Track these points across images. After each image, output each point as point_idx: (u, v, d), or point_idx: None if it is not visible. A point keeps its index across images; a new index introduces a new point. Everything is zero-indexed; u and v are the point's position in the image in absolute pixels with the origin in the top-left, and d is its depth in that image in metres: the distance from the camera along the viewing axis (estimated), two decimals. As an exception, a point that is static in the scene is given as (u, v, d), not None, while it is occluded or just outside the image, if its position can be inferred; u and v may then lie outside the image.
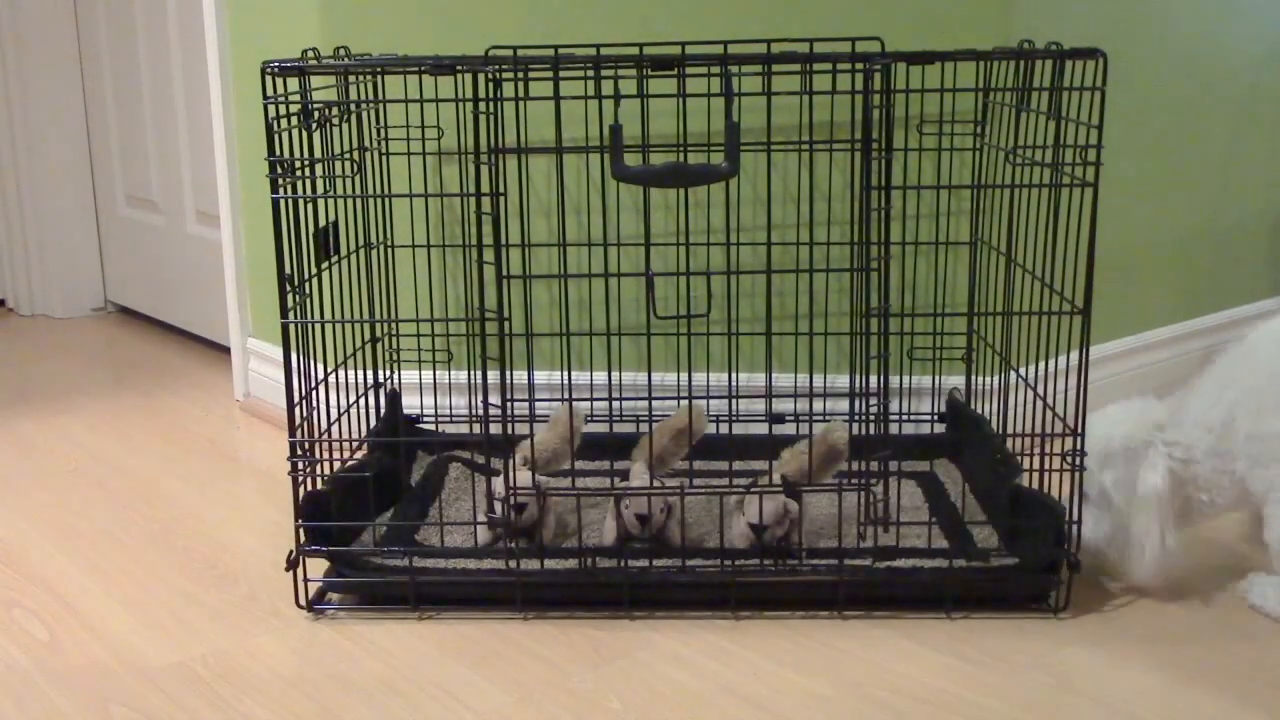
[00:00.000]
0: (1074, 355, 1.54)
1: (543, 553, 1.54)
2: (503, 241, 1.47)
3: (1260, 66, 2.40)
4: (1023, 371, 1.68)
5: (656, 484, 1.57)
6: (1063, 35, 1.94)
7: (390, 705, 1.33)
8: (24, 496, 1.94)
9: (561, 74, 1.50)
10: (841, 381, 1.97)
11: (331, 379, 1.70)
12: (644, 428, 1.75)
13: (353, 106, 1.79)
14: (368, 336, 1.89)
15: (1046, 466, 1.53)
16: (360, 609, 1.54)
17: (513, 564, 1.51)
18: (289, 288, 1.51)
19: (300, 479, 1.54)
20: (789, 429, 1.92)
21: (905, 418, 1.99)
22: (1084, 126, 1.48)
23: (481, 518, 1.61)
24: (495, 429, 1.80)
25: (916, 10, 1.89)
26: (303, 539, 1.53)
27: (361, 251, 1.85)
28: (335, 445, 1.70)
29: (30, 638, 1.49)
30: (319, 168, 1.62)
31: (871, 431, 1.55)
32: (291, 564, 1.53)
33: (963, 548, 1.55)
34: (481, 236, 1.50)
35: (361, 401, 1.86)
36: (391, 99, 1.83)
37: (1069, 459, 1.50)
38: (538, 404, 1.98)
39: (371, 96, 1.84)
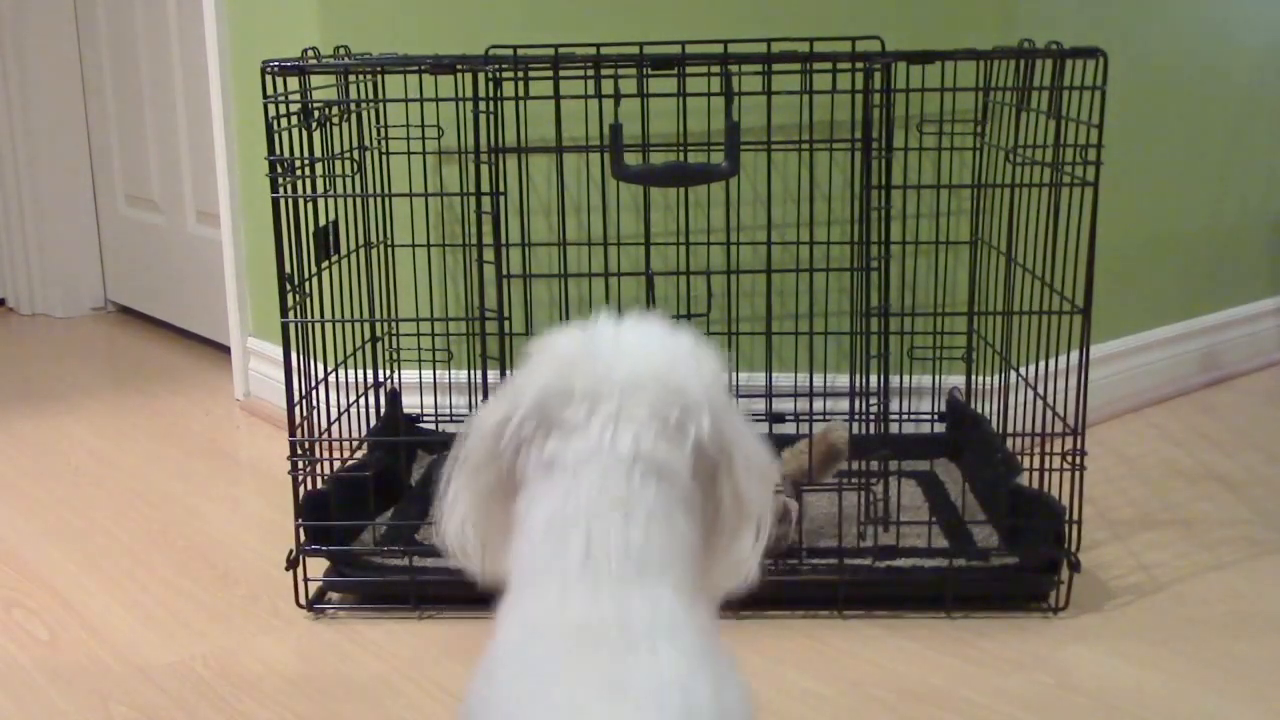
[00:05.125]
0: (1074, 355, 1.54)
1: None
2: (503, 241, 1.47)
3: (1261, 65, 2.40)
4: (1023, 371, 1.68)
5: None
6: (1063, 35, 1.94)
7: (390, 705, 1.32)
8: (24, 496, 1.94)
9: (561, 73, 1.50)
10: (841, 381, 1.96)
11: (331, 378, 1.70)
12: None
13: (353, 106, 1.79)
14: (368, 336, 1.89)
15: (1046, 466, 1.53)
16: (360, 609, 1.54)
17: (513, 564, 1.50)
18: (289, 287, 1.51)
19: (300, 479, 1.54)
20: (789, 428, 1.92)
21: (905, 417, 1.98)
22: (1084, 126, 1.48)
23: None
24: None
25: (916, 10, 1.89)
26: (303, 539, 1.53)
27: (361, 251, 1.85)
28: (335, 445, 1.70)
29: (30, 637, 1.49)
30: (319, 167, 1.61)
31: (871, 431, 1.55)
32: (291, 564, 1.53)
33: (963, 547, 1.55)
34: (481, 236, 1.50)
35: (361, 401, 1.86)
36: (391, 98, 1.82)
37: (1069, 459, 1.50)
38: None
39: (371, 96, 1.84)
